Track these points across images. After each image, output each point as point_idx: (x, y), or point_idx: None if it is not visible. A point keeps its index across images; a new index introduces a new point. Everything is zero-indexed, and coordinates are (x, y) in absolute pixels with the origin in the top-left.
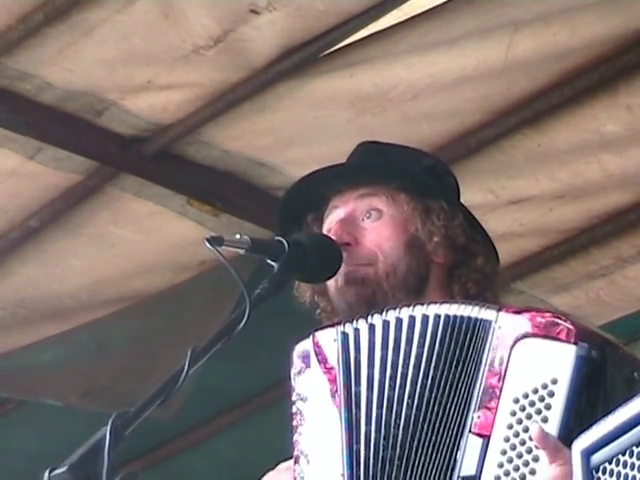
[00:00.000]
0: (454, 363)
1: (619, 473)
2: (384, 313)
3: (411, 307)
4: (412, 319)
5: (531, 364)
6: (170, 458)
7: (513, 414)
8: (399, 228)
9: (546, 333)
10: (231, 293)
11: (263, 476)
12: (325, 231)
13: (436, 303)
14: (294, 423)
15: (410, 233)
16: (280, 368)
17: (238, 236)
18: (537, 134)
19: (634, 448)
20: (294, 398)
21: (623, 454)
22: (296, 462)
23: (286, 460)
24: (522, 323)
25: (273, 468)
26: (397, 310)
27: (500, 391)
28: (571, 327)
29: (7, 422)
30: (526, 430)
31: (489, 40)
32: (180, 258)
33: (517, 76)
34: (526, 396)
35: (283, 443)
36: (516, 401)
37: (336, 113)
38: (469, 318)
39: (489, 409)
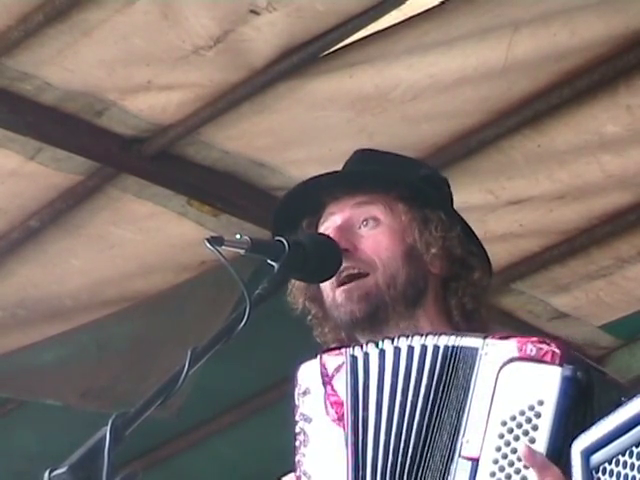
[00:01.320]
0: (447, 390)
1: (619, 473)
2: (395, 340)
3: (423, 337)
4: (424, 348)
5: (517, 387)
6: (170, 458)
7: (501, 436)
8: (397, 238)
9: (532, 356)
10: (231, 293)
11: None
12: None
13: (446, 334)
14: (296, 443)
15: (407, 243)
16: (280, 368)
17: (238, 236)
18: (537, 134)
19: (634, 448)
20: (297, 418)
21: (623, 454)
22: None
23: (286, 474)
24: (508, 348)
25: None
26: (408, 338)
27: (488, 415)
28: (557, 350)
29: (7, 422)
30: (514, 452)
31: (489, 40)
32: (180, 258)
33: (517, 76)
34: (513, 418)
35: (283, 443)
36: (504, 424)
37: (336, 114)
38: (458, 347)
39: (477, 433)
